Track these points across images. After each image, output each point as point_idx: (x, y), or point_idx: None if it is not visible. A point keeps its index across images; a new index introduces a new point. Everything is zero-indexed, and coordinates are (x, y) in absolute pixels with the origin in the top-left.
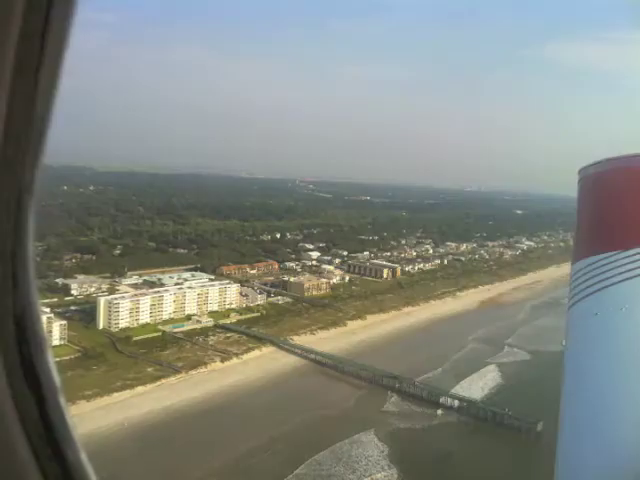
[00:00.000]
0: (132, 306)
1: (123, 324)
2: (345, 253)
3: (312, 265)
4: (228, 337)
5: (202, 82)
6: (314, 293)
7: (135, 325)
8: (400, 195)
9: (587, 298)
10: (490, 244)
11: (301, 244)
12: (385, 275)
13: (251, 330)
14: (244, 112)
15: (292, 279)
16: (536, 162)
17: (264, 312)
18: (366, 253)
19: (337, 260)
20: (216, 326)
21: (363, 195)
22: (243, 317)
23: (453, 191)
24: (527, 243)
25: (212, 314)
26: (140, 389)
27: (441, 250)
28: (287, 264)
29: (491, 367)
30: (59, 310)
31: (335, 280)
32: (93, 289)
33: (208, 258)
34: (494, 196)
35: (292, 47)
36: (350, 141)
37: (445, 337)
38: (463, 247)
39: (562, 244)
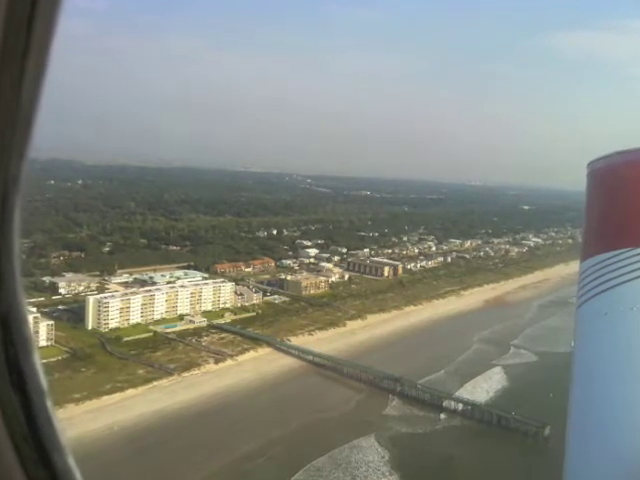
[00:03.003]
0: (122, 305)
1: (113, 324)
2: (344, 250)
3: (310, 263)
4: (222, 338)
5: (196, 73)
6: (312, 292)
7: (126, 325)
8: (401, 190)
9: (596, 297)
10: (495, 241)
11: (299, 241)
12: (386, 273)
13: (246, 330)
14: (239, 104)
15: (289, 277)
16: (543, 156)
17: (260, 312)
18: (366, 250)
19: (336, 257)
20: (210, 326)
21: (363, 190)
22: (238, 317)
23: (456, 186)
24: (534, 240)
25: (206, 314)
26: (131, 392)
27: (444, 247)
28: (284, 262)
29: (497, 369)
30: (46, 310)
31: (334, 278)
32: (82, 288)
33: (202, 256)
34: (499, 191)
35: (289, 36)
36: (350, 134)
37: (449, 338)
38: (467, 244)
39: (570, 241)
